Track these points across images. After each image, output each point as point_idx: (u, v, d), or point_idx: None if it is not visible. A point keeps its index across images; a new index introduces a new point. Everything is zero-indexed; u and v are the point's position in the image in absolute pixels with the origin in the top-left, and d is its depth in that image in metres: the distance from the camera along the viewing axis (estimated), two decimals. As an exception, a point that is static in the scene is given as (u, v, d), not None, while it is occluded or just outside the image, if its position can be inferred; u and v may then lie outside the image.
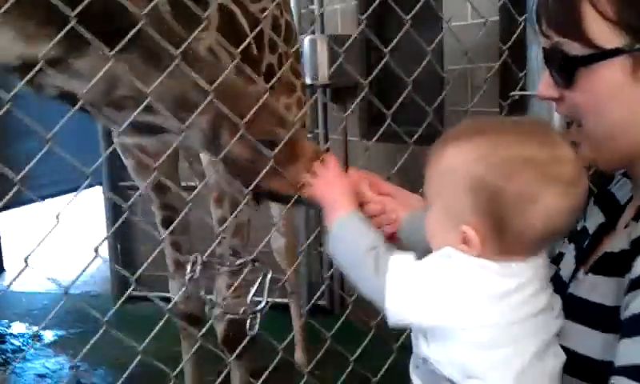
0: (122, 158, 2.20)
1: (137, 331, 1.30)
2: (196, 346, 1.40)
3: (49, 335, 4.16)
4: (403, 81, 1.49)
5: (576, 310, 0.92)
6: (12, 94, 0.93)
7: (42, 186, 5.84)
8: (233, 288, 1.37)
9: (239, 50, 1.21)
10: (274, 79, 2.17)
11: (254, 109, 1.12)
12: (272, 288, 1.25)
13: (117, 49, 1.00)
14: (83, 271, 1.12)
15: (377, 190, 1.18)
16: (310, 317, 2.87)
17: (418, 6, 1.48)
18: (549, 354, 0.89)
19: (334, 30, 4.13)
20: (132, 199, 1.17)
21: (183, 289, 1.30)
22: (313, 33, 3.87)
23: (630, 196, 0.99)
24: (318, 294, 4.18)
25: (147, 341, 1.21)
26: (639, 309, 0.78)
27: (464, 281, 0.87)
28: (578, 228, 1.06)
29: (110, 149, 2.35)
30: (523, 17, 1.72)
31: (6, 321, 4.43)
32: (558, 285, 1.00)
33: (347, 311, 1.49)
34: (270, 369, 1.35)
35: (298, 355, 3.41)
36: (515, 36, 1.64)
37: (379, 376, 1.48)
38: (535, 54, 1.63)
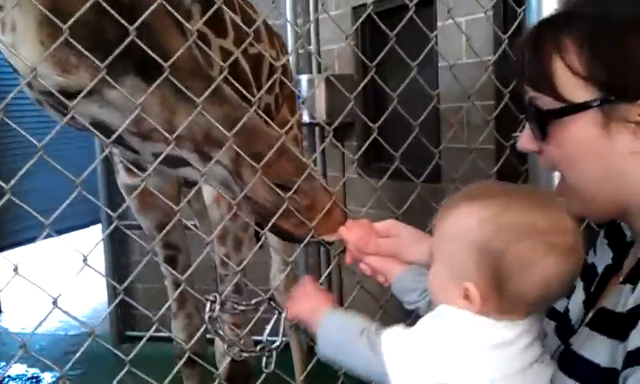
0: (125, 197, 2.23)
1: (138, 371, 1.30)
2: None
3: (47, 377, 4.12)
4: (401, 119, 1.52)
5: (571, 363, 0.92)
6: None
7: (35, 227, 5.85)
8: (248, 326, 1.39)
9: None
10: (288, 126, 2.22)
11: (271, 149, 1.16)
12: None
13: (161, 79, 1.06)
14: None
15: (366, 249, 1.21)
16: (309, 353, 2.85)
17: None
18: None
19: (332, 69, 4.22)
20: (121, 208, 1.19)
21: (202, 328, 1.31)
22: (310, 72, 3.95)
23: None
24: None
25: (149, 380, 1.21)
26: None
27: (457, 335, 0.90)
28: (588, 262, 1.07)
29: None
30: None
31: (3, 363, 4.39)
32: (565, 328, 1.02)
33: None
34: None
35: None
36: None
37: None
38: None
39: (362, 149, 1.69)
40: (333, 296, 1.20)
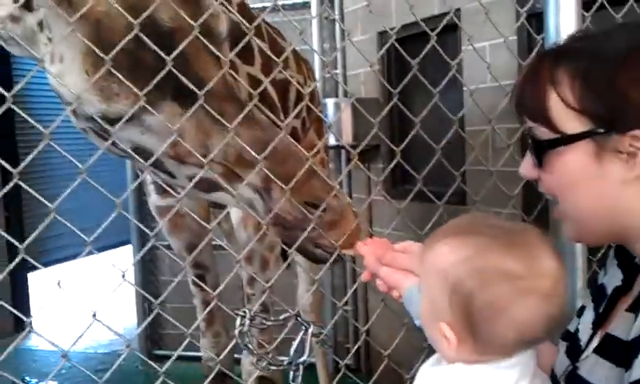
0: (157, 218, 2.30)
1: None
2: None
3: (76, 395, 4.19)
4: (426, 142, 1.56)
5: None
6: (21, 166, 1.02)
7: (70, 246, 6.00)
8: (275, 343, 1.43)
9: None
10: (316, 149, 2.27)
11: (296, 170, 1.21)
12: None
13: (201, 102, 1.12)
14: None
15: (380, 260, 1.22)
16: (335, 371, 2.87)
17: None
18: None
19: (357, 93, 4.28)
20: (157, 228, 1.25)
21: (232, 343, 1.35)
22: (336, 96, 4.01)
23: None
24: (350, 353, 4.17)
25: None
26: None
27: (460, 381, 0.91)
28: (599, 282, 1.09)
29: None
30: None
31: (35, 380, 4.48)
32: (575, 348, 1.03)
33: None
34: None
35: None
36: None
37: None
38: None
39: (387, 171, 1.72)
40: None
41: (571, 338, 1.06)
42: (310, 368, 3.53)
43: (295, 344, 1.25)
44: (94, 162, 1.03)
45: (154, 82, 1.07)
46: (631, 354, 0.83)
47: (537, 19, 1.64)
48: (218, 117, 1.16)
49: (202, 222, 1.31)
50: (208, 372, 2.49)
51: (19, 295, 5.62)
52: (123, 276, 1.06)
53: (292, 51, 2.54)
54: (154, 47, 1.09)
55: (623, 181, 0.89)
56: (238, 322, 1.26)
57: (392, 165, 1.54)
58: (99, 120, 1.16)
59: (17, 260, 0.95)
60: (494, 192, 1.70)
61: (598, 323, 1.01)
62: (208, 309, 1.68)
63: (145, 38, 1.07)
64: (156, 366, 1.21)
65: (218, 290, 1.24)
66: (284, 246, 1.25)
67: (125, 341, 1.13)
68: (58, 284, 1.02)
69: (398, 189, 3.98)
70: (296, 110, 1.94)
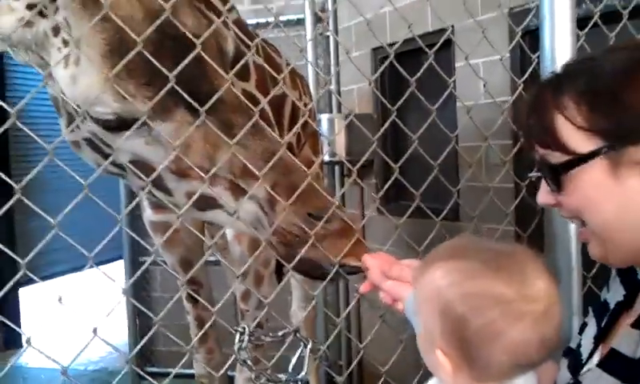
0: (151, 234, 2.28)
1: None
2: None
3: (67, 412, 4.14)
4: (421, 158, 1.57)
5: None
6: (24, 182, 1.02)
7: (65, 261, 5.95)
8: (274, 359, 1.43)
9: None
10: (310, 162, 2.27)
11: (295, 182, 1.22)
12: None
13: (206, 107, 1.13)
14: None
15: (386, 274, 1.22)
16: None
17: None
18: None
19: (351, 108, 4.29)
20: (156, 245, 1.25)
21: (230, 360, 1.35)
22: (331, 111, 4.03)
23: None
24: (348, 370, 4.14)
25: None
26: None
27: None
28: (602, 299, 1.09)
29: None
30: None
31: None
32: (576, 362, 1.03)
33: None
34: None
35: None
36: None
37: None
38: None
39: (384, 188, 1.73)
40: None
41: (573, 354, 1.07)
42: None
43: (294, 360, 1.25)
44: (87, 176, 1.03)
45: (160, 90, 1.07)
46: (638, 372, 0.84)
47: (530, 37, 1.65)
48: (228, 126, 1.17)
49: (201, 236, 1.31)
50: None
51: (10, 312, 5.56)
52: (123, 292, 1.05)
53: (287, 65, 2.56)
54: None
55: None
56: (237, 338, 1.25)
57: (390, 181, 1.54)
58: (106, 125, 1.16)
59: (18, 275, 0.95)
60: (488, 208, 1.71)
61: (600, 337, 1.02)
62: (207, 326, 1.67)
63: (150, 58, 1.08)
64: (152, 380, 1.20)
65: (217, 307, 1.23)
66: (281, 260, 1.24)
67: (123, 357, 1.12)
68: (59, 299, 1.01)
69: (392, 205, 3.98)
70: (296, 127, 1.95)
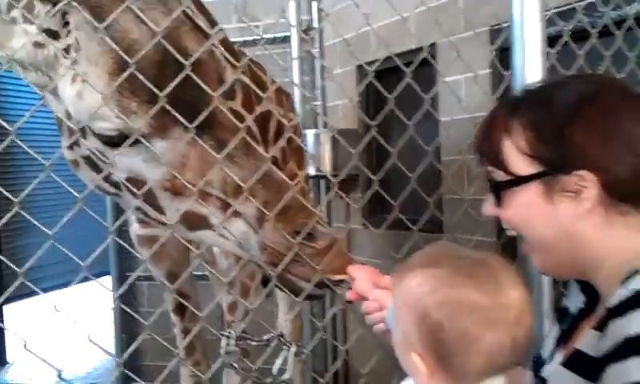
0: (138, 248, 2.32)
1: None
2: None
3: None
4: (403, 172, 1.62)
5: None
6: (22, 196, 1.06)
7: (49, 278, 5.93)
8: (259, 362, 1.48)
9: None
10: (296, 178, 2.31)
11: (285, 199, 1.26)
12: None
13: (195, 123, 1.19)
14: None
15: (376, 284, 1.28)
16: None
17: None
18: None
19: (336, 123, 4.36)
20: (145, 260, 1.28)
21: (217, 363, 1.38)
22: (316, 127, 4.08)
23: None
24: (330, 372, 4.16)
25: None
26: None
27: None
28: (563, 306, 1.16)
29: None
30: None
31: (10, 414, 4.39)
32: (538, 361, 1.11)
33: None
34: None
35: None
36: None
37: None
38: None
39: (364, 200, 1.77)
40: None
41: (536, 357, 1.13)
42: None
43: (278, 363, 1.29)
44: (75, 193, 1.07)
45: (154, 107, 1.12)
46: (599, 369, 0.89)
47: (507, 54, 1.71)
48: (224, 145, 1.22)
49: (189, 245, 1.35)
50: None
51: (-6, 328, 5.52)
52: (119, 303, 1.09)
53: (272, 83, 2.61)
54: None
55: (576, 215, 0.98)
56: (224, 342, 1.29)
57: (369, 194, 1.58)
58: (108, 141, 1.21)
59: (14, 285, 0.97)
60: (469, 219, 1.76)
61: (562, 339, 1.08)
62: (193, 333, 1.71)
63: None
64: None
65: (205, 313, 1.27)
66: (269, 271, 1.28)
67: (116, 362, 1.15)
68: (55, 308, 1.05)
69: (377, 218, 4.04)
70: (279, 143, 2.00)
